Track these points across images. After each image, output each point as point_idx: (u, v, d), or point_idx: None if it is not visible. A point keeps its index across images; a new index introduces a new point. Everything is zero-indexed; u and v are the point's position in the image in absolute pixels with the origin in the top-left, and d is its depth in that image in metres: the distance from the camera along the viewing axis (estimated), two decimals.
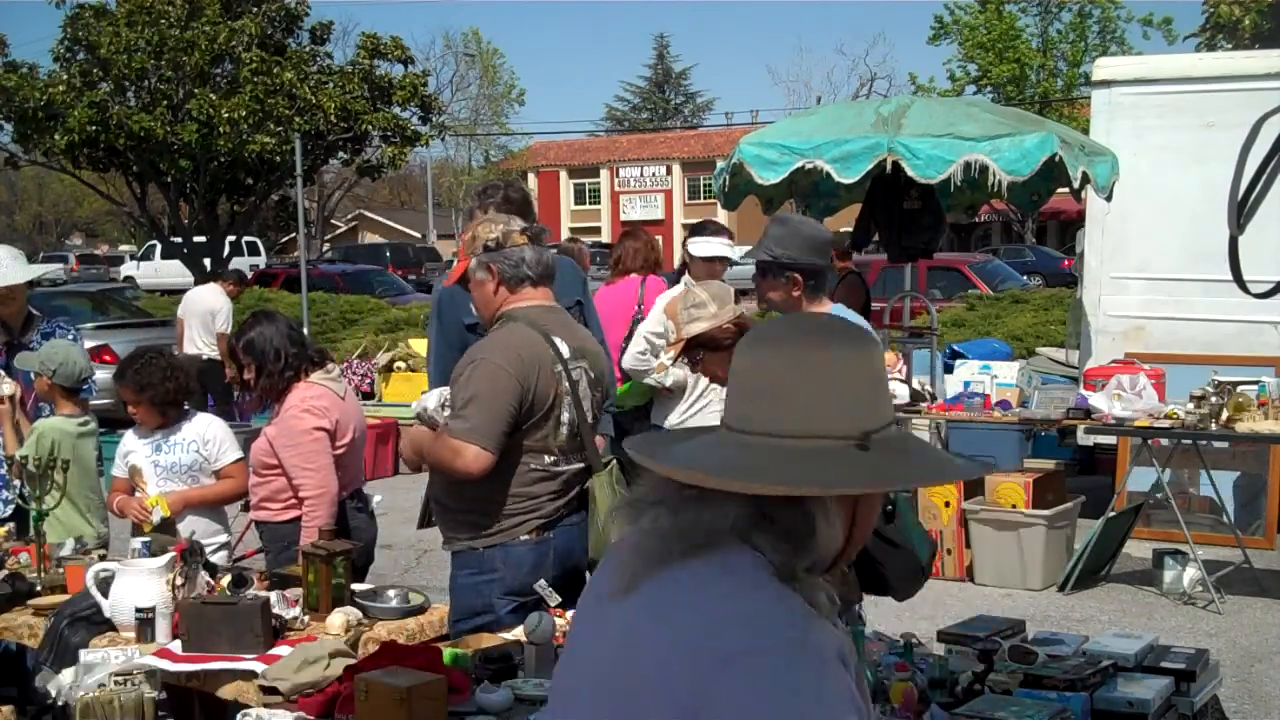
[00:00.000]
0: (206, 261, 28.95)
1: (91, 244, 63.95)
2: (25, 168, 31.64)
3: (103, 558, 4.68)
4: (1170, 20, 37.14)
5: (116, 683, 3.61)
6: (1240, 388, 6.90)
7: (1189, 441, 7.26)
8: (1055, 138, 7.60)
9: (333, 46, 33.67)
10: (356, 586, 4.28)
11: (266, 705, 3.46)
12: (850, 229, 9.19)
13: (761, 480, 1.56)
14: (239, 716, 3.40)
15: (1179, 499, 7.62)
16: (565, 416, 3.87)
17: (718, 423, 1.72)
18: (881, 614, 6.37)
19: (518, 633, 3.54)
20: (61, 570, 4.59)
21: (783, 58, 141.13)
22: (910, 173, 7.55)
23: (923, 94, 34.86)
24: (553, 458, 3.88)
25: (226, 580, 4.12)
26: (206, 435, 5.10)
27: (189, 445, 5.07)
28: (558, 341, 3.88)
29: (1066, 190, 8.47)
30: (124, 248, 56.18)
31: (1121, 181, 8.19)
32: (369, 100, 28.75)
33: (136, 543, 4.53)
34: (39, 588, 4.52)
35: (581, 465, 3.96)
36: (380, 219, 60.11)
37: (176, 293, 26.18)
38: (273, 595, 3.96)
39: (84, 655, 3.81)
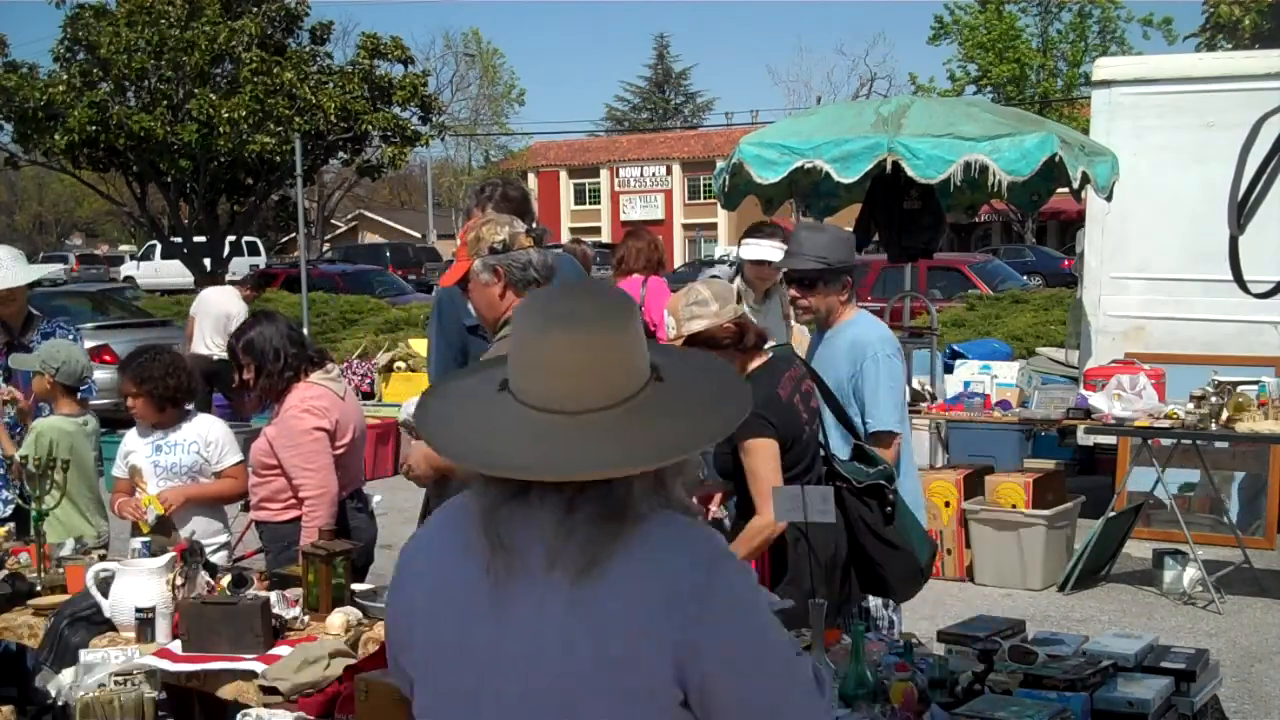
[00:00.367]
0: (206, 261, 28.95)
1: (91, 244, 63.95)
2: (25, 168, 31.63)
3: (103, 558, 4.68)
4: (1170, 20, 37.18)
5: (116, 683, 3.61)
6: (1240, 388, 6.90)
7: (1189, 441, 7.26)
8: (1055, 138, 7.60)
9: (333, 46, 33.63)
10: (356, 586, 4.27)
11: (266, 705, 3.46)
12: (850, 229, 9.19)
13: (670, 455, 1.72)
14: (239, 716, 3.40)
15: (1179, 500, 7.61)
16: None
17: None
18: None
19: None
20: (61, 570, 4.59)
21: (783, 58, 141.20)
22: (910, 173, 7.54)
23: (923, 94, 34.86)
24: None
25: (226, 580, 4.12)
26: (208, 437, 5.10)
27: (189, 446, 5.07)
28: None
29: (1066, 190, 8.46)
30: (124, 248, 56.18)
31: (1121, 181, 8.19)
32: (369, 100, 28.74)
33: (136, 543, 4.53)
34: (39, 588, 4.52)
35: None
36: (380, 219, 60.10)
37: (176, 293, 26.21)
38: (273, 595, 3.96)
39: (84, 655, 3.81)
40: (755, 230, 6.42)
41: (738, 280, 6.38)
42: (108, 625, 4.04)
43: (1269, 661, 6.20)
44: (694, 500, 1.87)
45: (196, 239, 29.53)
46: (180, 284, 29.96)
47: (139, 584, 3.98)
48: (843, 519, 3.80)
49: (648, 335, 1.87)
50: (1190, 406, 6.97)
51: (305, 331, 8.52)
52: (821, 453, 4.02)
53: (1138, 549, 7.95)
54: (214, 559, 4.63)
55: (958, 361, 9.55)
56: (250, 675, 3.60)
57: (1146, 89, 8.93)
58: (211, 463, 5.08)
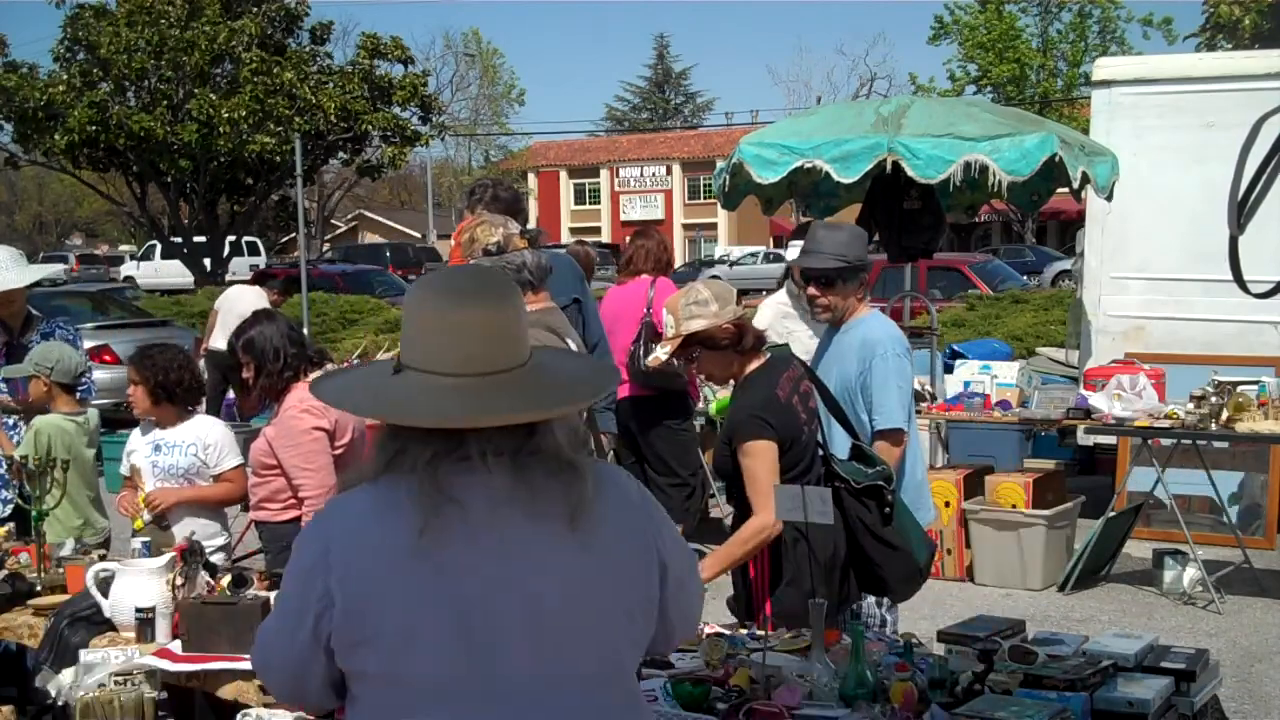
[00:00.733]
0: (206, 261, 28.96)
1: (91, 244, 63.95)
2: (25, 168, 31.66)
3: (103, 557, 4.68)
4: (1170, 20, 37.22)
5: (116, 683, 3.61)
6: (1240, 388, 6.90)
7: (1189, 441, 7.25)
8: (1055, 138, 7.60)
9: (333, 46, 33.67)
10: None
11: (266, 705, 3.46)
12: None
13: (572, 404, 2.03)
14: (239, 716, 3.40)
15: (1179, 500, 7.61)
16: (583, 415, 3.90)
17: None
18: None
19: None
20: (61, 570, 4.59)
21: (783, 58, 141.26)
22: (910, 173, 7.54)
23: (923, 94, 34.87)
24: None
25: (226, 580, 4.12)
26: (206, 439, 5.07)
27: (187, 448, 5.05)
28: (569, 344, 3.89)
29: (1066, 190, 8.46)
30: (124, 248, 56.18)
31: (1121, 181, 8.19)
32: (369, 100, 28.75)
33: (136, 543, 4.53)
34: (39, 588, 4.52)
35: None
36: (380, 219, 60.10)
37: (176, 293, 26.20)
38: (273, 595, 3.95)
39: (84, 655, 3.81)
40: (802, 231, 6.34)
41: (787, 283, 6.31)
42: (108, 625, 4.04)
43: (1269, 661, 6.20)
44: None
45: (196, 239, 29.53)
46: (180, 284, 29.94)
47: (139, 584, 3.98)
48: (841, 520, 3.80)
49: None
50: (1190, 406, 6.96)
51: (305, 331, 8.51)
52: (820, 453, 4.02)
53: (1138, 549, 7.94)
54: (212, 559, 4.63)
55: (958, 361, 9.54)
56: (250, 675, 3.59)
57: (1146, 89, 8.93)
58: (210, 465, 5.06)
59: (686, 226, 56.92)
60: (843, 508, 3.79)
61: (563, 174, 60.60)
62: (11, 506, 5.50)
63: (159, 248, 35.53)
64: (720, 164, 8.71)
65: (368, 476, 1.99)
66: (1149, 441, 7.32)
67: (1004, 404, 8.01)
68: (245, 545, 5.71)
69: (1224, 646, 6.25)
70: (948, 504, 7.54)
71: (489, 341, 1.96)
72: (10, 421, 5.66)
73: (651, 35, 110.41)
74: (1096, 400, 7.31)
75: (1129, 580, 7.60)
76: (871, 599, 4.20)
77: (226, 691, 3.67)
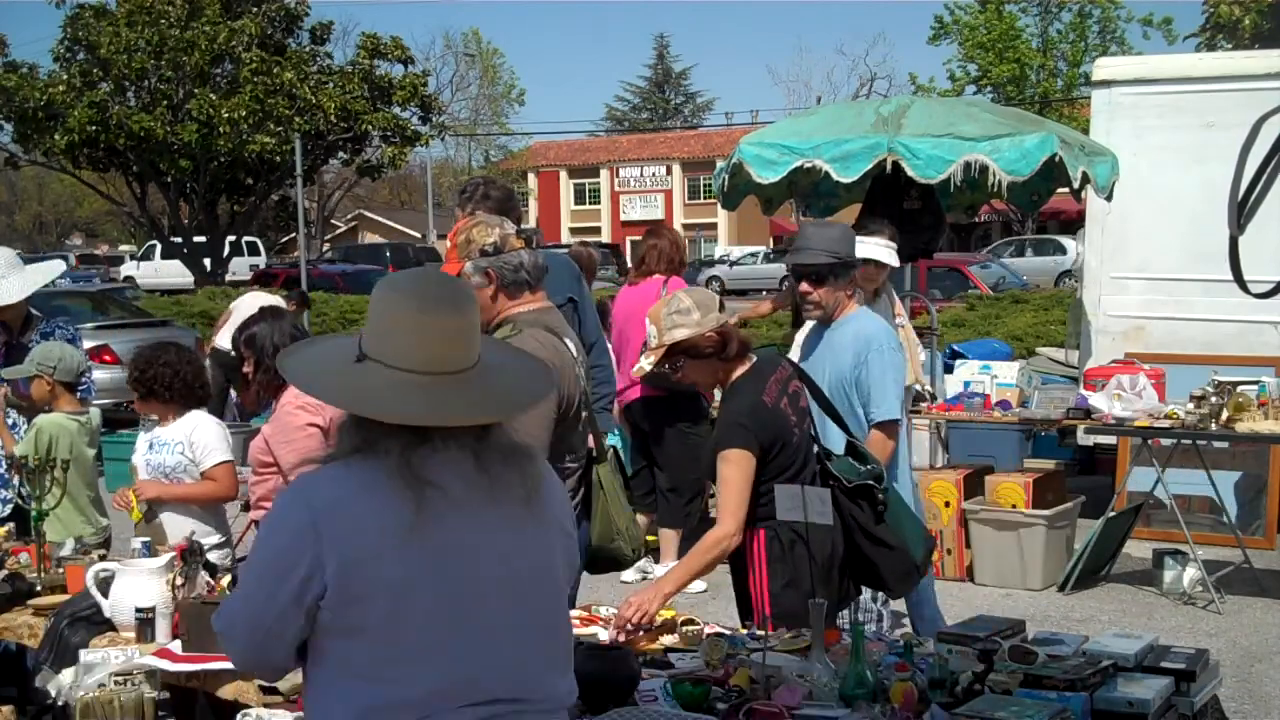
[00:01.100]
0: (206, 261, 28.95)
1: (91, 244, 63.92)
2: (25, 168, 31.65)
3: (103, 557, 4.68)
4: (1170, 20, 37.19)
5: (116, 683, 3.61)
6: (1240, 388, 6.90)
7: (1189, 441, 7.25)
8: (1055, 138, 7.60)
9: (333, 46, 33.67)
10: None
11: (266, 705, 3.46)
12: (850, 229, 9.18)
13: (523, 407, 2.36)
14: (239, 716, 3.40)
15: (1179, 500, 7.61)
16: (584, 415, 3.91)
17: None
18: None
19: None
20: (61, 570, 4.58)
21: (783, 58, 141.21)
22: (910, 173, 7.54)
23: (923, 94, 34.87)
24: (572, 455, 3.90)
25: (226, 580, 4.12)
26: (193, 437, 5.05)
27: (175, 447, 5.04)
28: (568, 343, 3.89)
29: (1066, 190, 8.46)
30: (124, 248, 56.16)
31: (1121, 181, 8.19)
32: (369, 100, 28.74)
33: (137, 543, 4.53)
34: (39, 588, 4.51)
35: (584, 459, 3.99)
36: (380, 219, 60.08)
37: (176, 293, 26.18)
38: None
39: (84, 655, 3.81)
40: (860, 227, 6.12)
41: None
42: (108, 625, 4.03)
43: (1269, 661, 6.20)
44: None
45: (196, 239, 29.51)
46: (180, 284, 29.92)
47: (139, 584, 3.98)
48: (838, 519, 3.81)
49: None
50: (1190, 406, 6.96)
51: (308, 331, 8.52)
52: (815, 451, 4.02)
53: (1138, 549, 7.95)
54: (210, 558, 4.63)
55: (958, 361, 9.55)
56: (251, 675, 3.59)
57: (1146, 89, 8.93)
58: (196, 463, 5.04)
59: (686, 226, 56.86)
60: (837, 507, 3.80)
61: (563, 174, 60.60)
62: (11, 506, 5.50)
63: (159, 248, 35.53)
64: (720, 164, 8.71)
65: (337, 458, 2.20)
66: (1149, 441, 7.32)
67: (1004, 404, 8.01)
68: (246, 545, 5.69)
69: (1224, 646, 6.25)
70: (948, 504, 7.54)
71: (451, 344, 2.19)
72: (11, 421, 5.66)
73: (651, 35, 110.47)
74: (1096, 400, 7.31)
75: (1129, 580, 7.60)
76: (867, 594, 4.24)
77: (226, 691, 3.67)
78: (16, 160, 28.85)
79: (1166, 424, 7.02)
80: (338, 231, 57.04)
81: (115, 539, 5.64)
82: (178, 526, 4.89)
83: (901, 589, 4.22)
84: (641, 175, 58.86)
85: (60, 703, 3.92)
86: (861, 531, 3.90)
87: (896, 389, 4.69)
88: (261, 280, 26.58)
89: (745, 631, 3.75)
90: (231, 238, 29.77)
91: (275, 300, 13.26)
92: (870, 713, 2.90)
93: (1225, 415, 6.82)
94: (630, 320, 7.22)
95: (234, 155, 26.87)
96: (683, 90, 71.86)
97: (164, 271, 35.06)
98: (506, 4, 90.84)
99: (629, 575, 7.04)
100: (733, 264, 40.17)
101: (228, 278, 28.46)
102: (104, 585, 4.07)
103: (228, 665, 3.66)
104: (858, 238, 5.76)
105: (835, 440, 4.19)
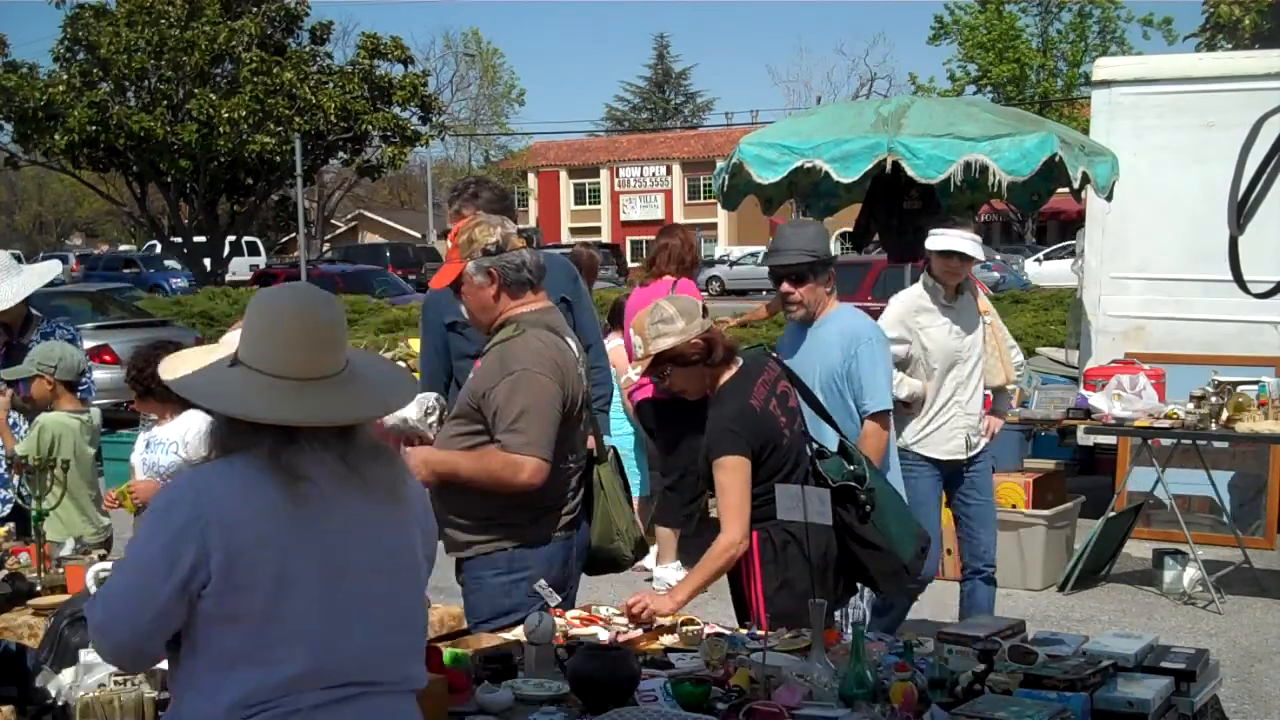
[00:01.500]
0: (206, 261, 28.95)
1: (91, 244, 63.88)
2: (25, 168, 31.65)
3: (103, 557, 4.68)
4: (1170, 20, 37.19)
5: (116, 683, 3.61)
6: (1240, 388, 6.90)
7: (1189, 441, 7.25)
8: (1055, 138, 7.60)
9: (333, 46, 33.66)
10: None
11: None
12: (849, 229, 9.19)
13: (389, 409, 2.54)
14: None
15: (1179, 500, 7.61)
16: (585, 415, 3.91)
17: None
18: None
19: (517, 633, 3.54)
20: (61, 570, 4.58)
21: (783, 58, 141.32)
22: (910, 173, 7.54)
23: (923, 94, 34.86)
24: (574, 455, 3.90)
25: None
26: (188, 437, 5.04)
27: (170, 446, 5.05)
28: (569, 343, 3.89)
29: (1066, 190, 8.46)
30: (124, 248, 56.14)
31: (1121, 181, 8.19)
32: (369, 100, 28.73)
33: None
34: (39, 588, 4.51)
35: (584, 459, 4.00)
36: (380, 219, 60.08)
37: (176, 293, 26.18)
38: None
39: (84, 655, 3.80)
40: (945, 219, 5.92)
41: (923, 277, 5.79)
42: None
43: (1269, 661, 6.20)
44: None
45: (196, 239, 29.51)
46: (180, 284, 29.95)
47: None
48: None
49: None
50: (1190, 406, 6.96)
51: None
52: (809, 451, 4.02)
53: (1138, 549, 7.94)
54: None
55: None
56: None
57: (1146, 89, 8.93)
58: (191, 463, 5.05)
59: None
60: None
61: (563, 174, 60.60)
62: (10, 506, 5.50)
63: (159, 248, 35.54)
64: (720, 164, 8.70)
65: (212, 456, 2.38)
66: (1149, 441, 7.32)
67: None
68: None
69: (1224, 646, 6.25)
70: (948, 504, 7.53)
71: (317, 351, 2.36)
72: (12, 421, 5.65)
73: (651, 35, 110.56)
74: (1096, 400, 7.31)
75: (1129, 580, 7.60)
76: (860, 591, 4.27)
77: None
78: (16, 160, 28.85)
79: (1166, 424, 7.02)
80: (338, 231, 57.04)
81: (116, 539, 5.64)
82: None
83: (890, 589, 4.23)
84: (641, 175, 58.86)
85: (60, 703, 3.92)
86: (848, 531, 3.91)
87: (887, 380, 4.79)
88: (261, 280, 26.59)
89: (745, 631, 3.75)
90: (231, 238, 29.77)
91: None
92: (870, 713, 2.90)
93: (1225, 415, 6.83)
94: None
95: (234, 155, 26.88)
96: (683, 90, 71.90)
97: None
98: (506, 4, 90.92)
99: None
100: (733, 264, 40.19)
101: (228, 278, 28.46)
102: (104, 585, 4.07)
103: None
104: (940, 230, 5.67)
105: (828, 438, 4.20)
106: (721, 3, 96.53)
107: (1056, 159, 7.57)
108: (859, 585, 4.21)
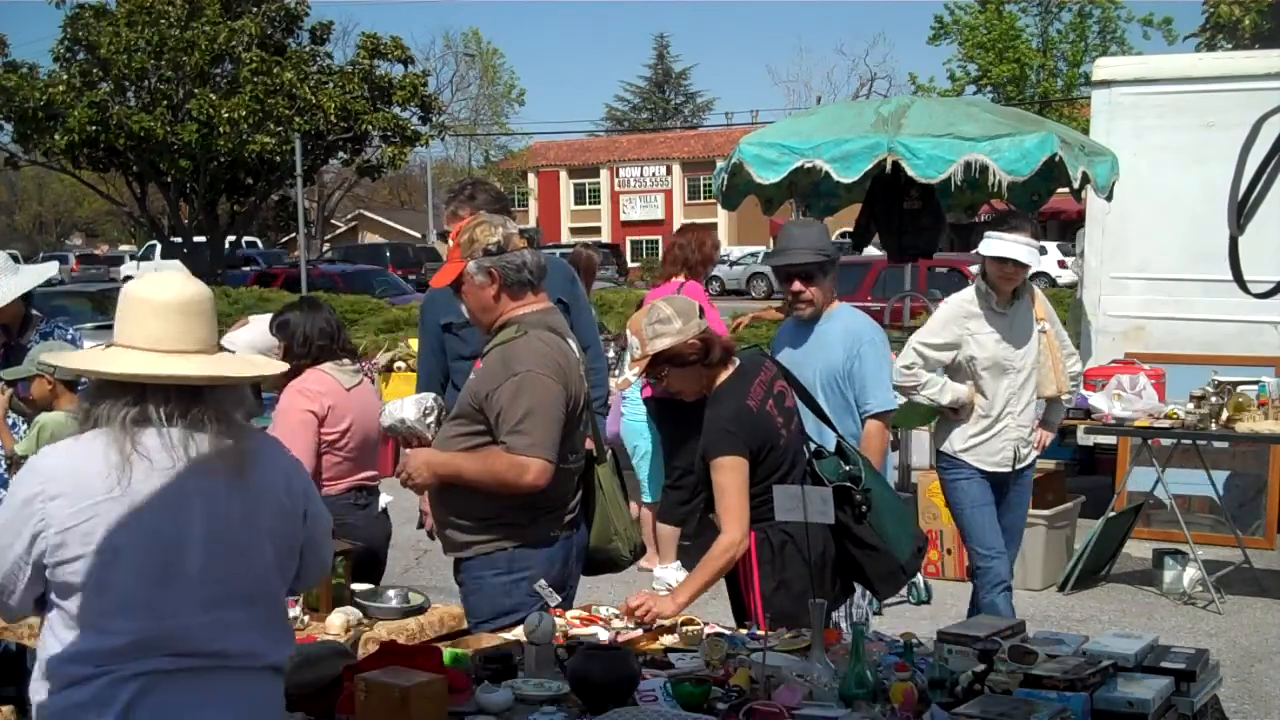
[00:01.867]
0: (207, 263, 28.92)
1: (91, 244, 63.87)
2: (25, 168, 31.65)
3: None
4: (1170, 20, 37.12)
5: None
6: (1240, 388, 6.90)
7: (1189, 441, 7.25)
8: (1055, 138, 7.59)
9: (333, 46, 33.67)
10: (356, 586, 4.27)
11: None
12: (849, 229, 9.20)
13: (247, 378, 2.63)
14: None
15: (1179, 500, 7.60)
16: (585, 415, 3.92)
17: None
18: (883, 614, 6.37)
19: (518, 633, 3.54)
20: None
21: (783, 58, 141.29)
22: (910, 173, 7.54)
23: (923, 94, 34.86)
24: (575, 455, 3.90)
25: None
26: None
27: None
28: (570, 343, 3.90)
29: (1066, 190, 8.46)
30: (124, 248, 56.12)
31: (1121, 181, 8.19)
32: (369, 100, 28.73)
33: None
34: None
35: (584, 460, 4.00)
36: (380, 219, 60.08)
37: None
38: None
39: None
40: (1000, 222, 5.62)
41: (976, 280, 5.62)
42: None
43: (1269, 661, 6.20)
44: None
45: (196, 239, 29.51)
46: None
47: None
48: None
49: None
50: (1190, 406, 6.96)
51: None
52: (806, 452, 4.03)
53: (1138, 549, 7.94)
54: None
55: None
56: None
57: (1146, 89, 8.93)
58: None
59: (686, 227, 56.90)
60: None
61: (563, 174, 60.58)
62: None
63: (159, 248, 35.51)
64: (720, 164, 8.70)
65: (77, 431, 2.52)
66: (1149, 441, 7.32)
67: None
68: None
69: (1224, 646, 6.25)
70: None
71: (177, 328, 2.51)
72: (11, 421, 5.64)
73: (651, 35, 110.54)
74: (1096, 400, 7.31)
75: (1129, 580, 7.60)
76: (856, 592, 4.28)
77: None
78: (16, 160, 28.86)
79: (1166, 424, 7.02)
80: (338, 231, 57.04)
81: None
82: None
83: (886, 589, 4.24)
84: (641, 175, 58.85)
85: None
86: (844, 531, 3.91)
87: (889, 380, 4.90)
88: (261, 280, 26.58)
89: (745, 632, 3.75)
90: (231, 238, 29.78)
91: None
92: (870, 713, 2.90)
93: (1225, 415, 6.83)
94: None
95: (234, 155, 26.88)
96: (683, 90, 71.89)
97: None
98: (506, 4, 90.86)
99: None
100: (733, 264, 40.17)
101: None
102: None
103: None
104: (996, 234, 5.43)
105: (825, 438, 4.21)
106: (721, 3, 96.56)
107: (1056, 159, 7.57)
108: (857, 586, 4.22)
